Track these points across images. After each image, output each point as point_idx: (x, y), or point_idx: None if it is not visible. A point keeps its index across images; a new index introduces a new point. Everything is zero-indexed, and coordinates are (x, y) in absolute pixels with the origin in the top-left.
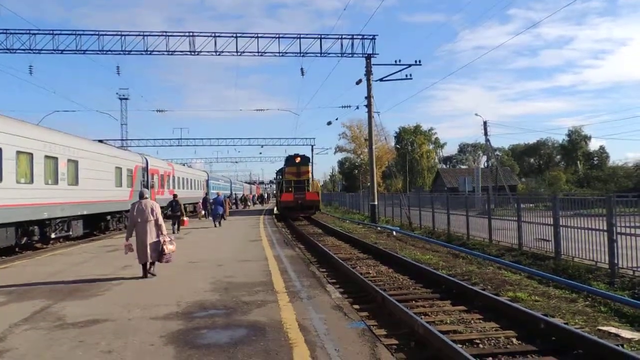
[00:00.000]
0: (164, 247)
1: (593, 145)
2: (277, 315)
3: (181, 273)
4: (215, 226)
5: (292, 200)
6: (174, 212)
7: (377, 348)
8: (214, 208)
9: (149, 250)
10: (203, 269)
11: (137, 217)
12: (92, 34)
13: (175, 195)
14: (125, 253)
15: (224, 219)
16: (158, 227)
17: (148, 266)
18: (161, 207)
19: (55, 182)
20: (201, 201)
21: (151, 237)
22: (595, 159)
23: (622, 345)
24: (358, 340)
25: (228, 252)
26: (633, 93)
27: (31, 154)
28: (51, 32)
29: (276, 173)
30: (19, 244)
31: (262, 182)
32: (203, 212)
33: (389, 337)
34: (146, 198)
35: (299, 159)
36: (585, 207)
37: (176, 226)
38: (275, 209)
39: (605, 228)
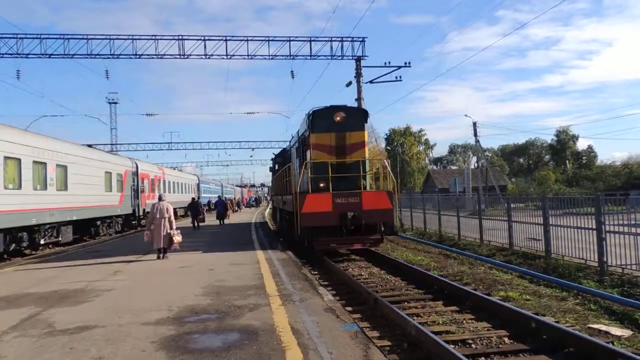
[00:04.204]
0: (173, 238)
1: (581, 145)
2: (270, 319)
3: (172, 277)
4: (220, 224)
5: (331, 213)
6: (192, 211)
7: (370, 350)
8: (218, 208)
9: (162, 240)
10: (194, 272)
11: (156, 214)
12: (80, 38)
13: (193, 198)
14: (145, 240)
15: (228, 218)
16: (170, 222)
17: (162, 251)
18: (182, 208)
19: (44, 187)
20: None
21: (165, 230)
22: (584, 158)
23: (613, 343)
24: (351, 343)
25: (219, 255)
26: (619, 93)
27: (19, 160)
28: (39, 36)
29: (273, 160)
30: (7, 250)
31: (253, 185)
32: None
33: (382, 338)
34: (163, 200)
35: (341, 115)
36: (574, 206)
37: (195, 223)
38: (268, 219)
39: (594, 227)
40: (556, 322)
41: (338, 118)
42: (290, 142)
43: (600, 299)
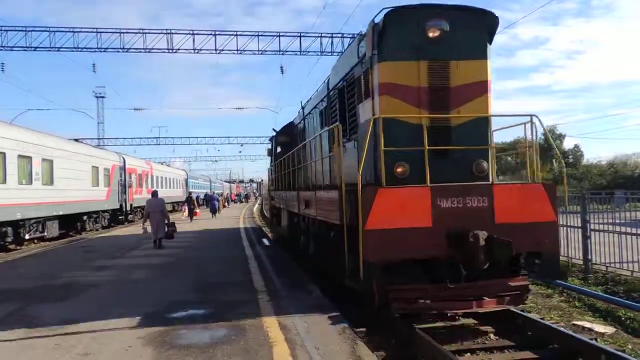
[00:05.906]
0: (168, 228)
1: (568, 144)
2: (258, 314)
3: (159, 273)
4: (212, 217)
5: (430, 230)
6: (188, 205)
7: (357, 346)
8: (211, 203)
9: (158, 230)
10: (182, 268)
11: (151, 208)
12: (66, 31)
13: (190, 193)
14: (142, 232)
15: (219, 212)
16: (165, 215)
17: (158, 241)
18: (178, 202)
19: (30, 182)
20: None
21: (160, 222)
22: (570, 157)
23: (596, 339)
24: (338, 338)
25: (209, 250)
26: (605, 93)
27: (4, 154)
28: (24, 28)
29: (273, 139)
30: None
31: (242, 181)
32: (186, 212)
33: (370, 334)
34: (157, 196)
35: (440, 27)
36: (559, 204)
37: (190, 216)
38: (257, 215)
39: (579, 225)
40: (541, 318)
41: (434, 33)
42: (303, 109)
43: (585, 296)
